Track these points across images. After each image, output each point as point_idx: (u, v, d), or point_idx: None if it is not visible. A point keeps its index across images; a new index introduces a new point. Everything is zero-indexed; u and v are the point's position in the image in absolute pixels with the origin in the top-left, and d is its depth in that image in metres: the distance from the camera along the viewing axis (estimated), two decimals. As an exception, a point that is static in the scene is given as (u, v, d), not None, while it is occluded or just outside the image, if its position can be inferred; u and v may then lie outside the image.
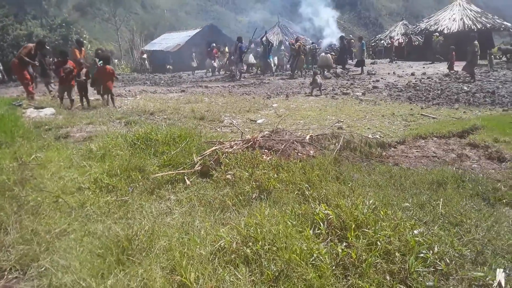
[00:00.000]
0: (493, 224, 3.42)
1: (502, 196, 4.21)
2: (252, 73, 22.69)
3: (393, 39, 30.16)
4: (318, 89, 13.47)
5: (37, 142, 6.27)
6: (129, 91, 14.82)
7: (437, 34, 25.25)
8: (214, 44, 23.40)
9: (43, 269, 2.93)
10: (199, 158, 5.10)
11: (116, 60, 33.18)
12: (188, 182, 4.56)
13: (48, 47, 13.79)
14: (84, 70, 10.65)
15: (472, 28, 25.74)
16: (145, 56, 28.58)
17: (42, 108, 9.58)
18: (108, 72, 10.55)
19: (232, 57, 20.26)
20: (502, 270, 2.74)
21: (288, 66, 22.30)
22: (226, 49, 23.66)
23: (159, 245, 3.01)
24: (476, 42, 15.24)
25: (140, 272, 2.71)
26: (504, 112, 9.37)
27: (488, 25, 26.27)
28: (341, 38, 22.15)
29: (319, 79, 13.55)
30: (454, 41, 23.80)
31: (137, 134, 6.00)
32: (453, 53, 17.93)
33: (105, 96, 10.85)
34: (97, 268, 2.84)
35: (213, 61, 23.03)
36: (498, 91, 12.28)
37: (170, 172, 4.76)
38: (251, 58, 22.63)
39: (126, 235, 3.19)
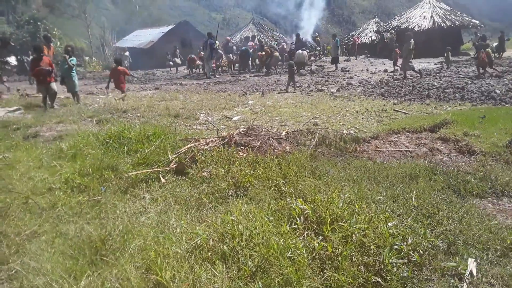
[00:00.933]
0: (464, 215, 3.52)
1: (472, 188, 4.35)
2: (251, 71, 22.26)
3: (355, 37, 30.72)
4: (293, 85, 13.56)
5: (5, 142, 6.05)
6: (100, 89, 14.47)
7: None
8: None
9: (13, 272, 2.85)
10: (174, 156, 5.04)
11: (87, 58, 32.28)
12: (163, 180, 4.50)
13: (13, 44, 13.24)
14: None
15: (442, 25, 26.50)
16: (127, 53, 27.59)
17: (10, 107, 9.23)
18: (120, 72, 12.19)
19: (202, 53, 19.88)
20: (473, 259, 2.83)
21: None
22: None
23: (133, 244, 2.96)
24: (412, 41, 15.80)
25: (114, 272, 2.67)
26: (473, 107, 9.67)
27: (457, 23, 27.08)
28: (297, 35, 22.47)
29: (295, 72, 13.68)
30: (425, 38, 24.50)
31: (109, 133, 5.87)
32: (397, 50, 18.68)
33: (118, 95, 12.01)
34: (70, 269, 2.79)
35: (176, 58, 22.65)
36: (467, 87, 12.68)
37: (145, 171, 4.67)
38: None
39: (99, 235, 3.14)
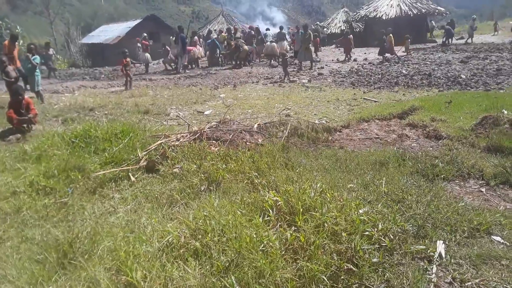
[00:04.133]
0: (432, 199, 3.60)
1: (440, 171, 4.46)
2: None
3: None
4: (287, 76, 13.70)
5: (-37, 146, 5.76)
6: (66, 87, 14.00)
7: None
8: (146, 35, 21.52)
9: (-24, 280, 2.73)
10: (144, 153, 4.93)
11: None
12: (133, 178, 4.39)
13: None
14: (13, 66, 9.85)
15: (409, 13, 27.07)
16: (51, 51, 25.71)
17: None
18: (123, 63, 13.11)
19: (166, 48, 19.08)
20: (442, 241, 2.90)
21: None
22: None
23: (102, 246, 2.87)
24: (309, 31, 16.94)
25: (83, 275, 2.59)
26: (440, 93, 9.95)
27: (423, 10, 27.74)
28: (280, 28, 21.75)
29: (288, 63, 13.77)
30: (393, 26, 24.95)
31: (75, 132, 5.69)
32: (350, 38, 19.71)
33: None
34: (37, 275, 2.72)
35: (147, 54, 21.18)
36: (434, 73, 13.01)
37: (113, 170, 4.55)
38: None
39: (67, 238, 3.07)
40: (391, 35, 18.64)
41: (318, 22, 34.82)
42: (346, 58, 19.33)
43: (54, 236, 3.15)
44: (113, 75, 18.27)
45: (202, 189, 4.00)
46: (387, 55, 18.19)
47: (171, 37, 19.52)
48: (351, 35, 19.33)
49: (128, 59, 13.34)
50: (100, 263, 2.68)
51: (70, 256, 2.86)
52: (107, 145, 5.28)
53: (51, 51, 18.55)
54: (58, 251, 2.93)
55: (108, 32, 30.36)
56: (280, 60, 18.81)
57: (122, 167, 4.64)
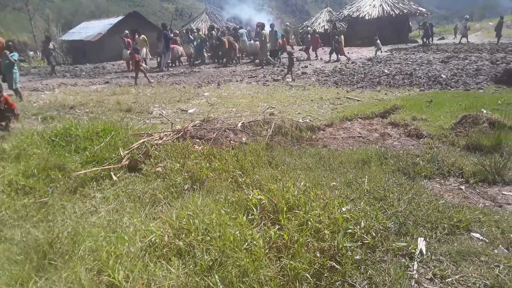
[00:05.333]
0: (413, 197, 3.66)
1: (421, 169, 4.53)
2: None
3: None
4: (290, 74, 13.69)
5: None
6: (46, 84, 13.69)
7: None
8: (127, 32, 20.83)
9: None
10: (126, 152, 4.86)
11: (31, 53, 30.41)
12: (114, 178, 4.33)
13: None
14: None
15: (391, 13, 27.47)
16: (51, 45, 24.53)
17: None
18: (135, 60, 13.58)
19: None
20: (422, 238, 2.95)
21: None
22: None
23: (83, 246, 2.82)
24: (264, 31, 17.89)
25: (64, 276, 2.54)
26: (421, 92, 10.13)
27: (405, 11, 28.19)
28: (271, 25, 20.14)
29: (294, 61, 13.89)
30: (375, 26, 25.35)
31: (55, 130, 5.57)
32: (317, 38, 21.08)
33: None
34: (16, 276, 2.65)
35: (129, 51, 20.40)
36: (415, 73, 13.23)
37: (94, 169, 4.47)
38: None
39: (47, 238, 3.00)
40: (342, 36, 19.59)
41: (288, 23, 34.92)
42: (312, 57, 19.57)
43: (33, 236, 3.07)
44: (95, 73, 17.94)
45: (186, 188, 3.96)
46: (342, 57, 18.97)
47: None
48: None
49: (139, 56, 13.68)
50: (81, 263, 2.62)
51: (50, 257, 2.79)
52: (88, 144, 5.18)
53: (51, 45, 17.72)
54: (38, 252, 2.86)
55: (89, 29, 29.78)
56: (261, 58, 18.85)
57: (103, 166, 4.57)
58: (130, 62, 16.73)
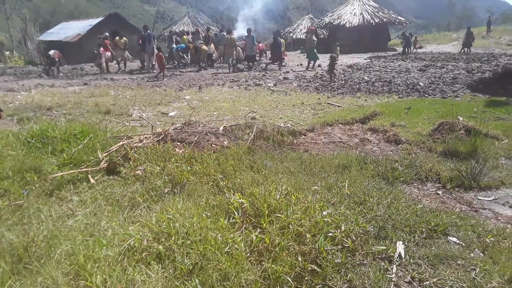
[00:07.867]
0: (392, 201, 3.71)
1: (400, 174, 4.62)
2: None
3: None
4: (333, 77, 14.03)
5: None
6: (22, 85, 13.32)
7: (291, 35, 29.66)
8: (107, 34, 19.39)
9: None
10: (105, 154, 4.76)
11: (7, 52, 29.64)
12: (92, 180, 4.22)
13: None
14: None
15: (371, 22, 28.04)
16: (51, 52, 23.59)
17: None
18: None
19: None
20: (401, 242, 2.99)
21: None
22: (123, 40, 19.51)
23: (60, 250, 2.73)
24: (232, 36, 18.31)
25: (39, 280, 2.45)
26: (400, 99, 10.34)
27: (385, 20, 28.83)
28: (248, 30, 19.59)
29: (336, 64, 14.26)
30: (356, 34, 25.81)
31: (31, 132, 5.40)
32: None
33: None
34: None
35: (108, 52, 19.02)
36: (394, 80, 13.50)
37: (71, 171, 4.35)
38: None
39: (22, 242, 2.90)
40: (283, 40, 21.17)
41: (291, 33, 35.37)
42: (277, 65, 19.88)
43: (8, 239, 2.96)
44: (73, 74, 17.58)
45: (166, 191, 3.90)
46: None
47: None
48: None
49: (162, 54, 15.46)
50: (58, 267, 2.54)
51: (25, 261, 2.70)
52: (65, 146, 5.05)
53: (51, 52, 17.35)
54: (12, 256, 2.77)
55: (68, 30, 29.23)
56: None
57: (81, 169, 4.45)
58: (154, 59, 17.74)
